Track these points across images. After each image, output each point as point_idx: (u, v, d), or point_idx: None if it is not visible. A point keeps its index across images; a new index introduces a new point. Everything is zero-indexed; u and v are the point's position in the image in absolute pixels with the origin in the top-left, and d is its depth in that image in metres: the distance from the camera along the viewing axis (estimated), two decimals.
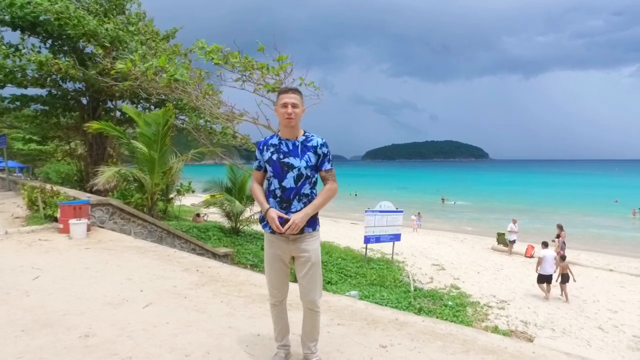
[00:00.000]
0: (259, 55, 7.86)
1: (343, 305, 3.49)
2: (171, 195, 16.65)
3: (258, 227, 13.85)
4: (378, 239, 13.02)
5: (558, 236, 14.73)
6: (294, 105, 2.21)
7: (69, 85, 14.03)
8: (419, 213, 24.85)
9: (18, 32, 12.34)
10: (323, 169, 2.31)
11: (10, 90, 14.76)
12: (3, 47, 11.53)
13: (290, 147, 2.27)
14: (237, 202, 12.28)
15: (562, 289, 10.30)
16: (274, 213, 2.18)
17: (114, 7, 14.17)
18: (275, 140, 2.31)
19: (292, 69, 8.36)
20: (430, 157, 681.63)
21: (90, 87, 13.52)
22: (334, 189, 2.33)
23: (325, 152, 2.30)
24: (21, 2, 11.19)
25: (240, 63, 8.20)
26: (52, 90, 13.89)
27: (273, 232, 2.24)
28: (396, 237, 13.42)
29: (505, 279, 12.23)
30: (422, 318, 3.25)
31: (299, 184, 2.25)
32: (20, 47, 12.33)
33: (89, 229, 6.92)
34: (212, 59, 8.08)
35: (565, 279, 10.26)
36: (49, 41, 13.18)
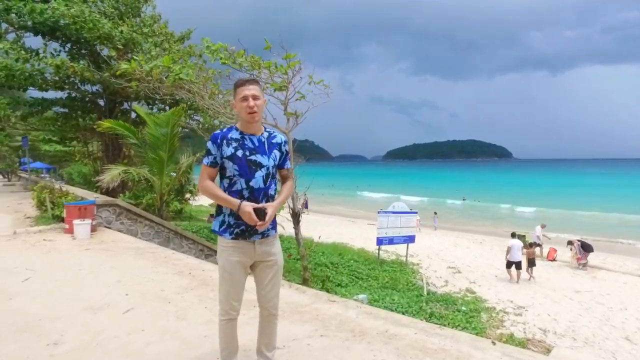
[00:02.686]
0: (271, 54, 7.72)
1: (332, 314, 3.28)
2: (187, 195, 16.80)
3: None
4: (391, 241, 12.73)
5: (570, 242, 14.28)
6: (255, 97, 2.03)
7: (87, 88, 14.35)
8: (435, 213, 24.31)
9: (39, 37, 12.69)
10: (285, 167, 2.25)
11: (32, 94, 15.26)
12: (22, 51, 11.85)
13: (256, 144, 2.09)
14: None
15: (530, 271, 12.14)
16: (249, 207, 1.96)
17: (129, 10, 14.39)
18: (236, 135, 2.07)
19: (300, 67, 8.18)
20: (452, 157, 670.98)
21: (106, 89, 13.78)
22: (293, 186, 2.27)
23: (287, 150, 2.23)
24: (41, 8, 11.47)
25: (248, 62, 8.09)
26: (71, 93, 14.24)
27: (236, 237, 2.06)
28: (410, 239, 13.09)
29: (524, 283, 11.71)
30: (414, 330, 3.01)
31: (268, 183, 2.12)
32: (40, 51, 12.68)
33: (94, 230, 6.95)
34: (220, 57, 8.00)
35: (532, 263, 12.15)
36: (68, 45, 13.49)
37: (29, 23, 11.95)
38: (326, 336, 2.83)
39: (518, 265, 11.85)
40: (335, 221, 25.39)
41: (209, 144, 2.05)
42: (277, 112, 8.87)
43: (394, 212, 12.89)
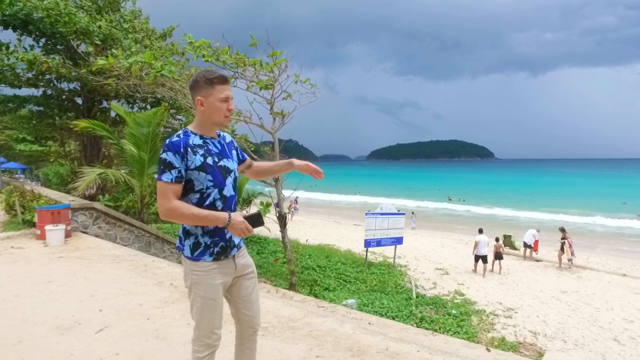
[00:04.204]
0: (257, 51, 7.44)
1: (327, 329, 3.03)
2: None
3: (255, 230, 13.33)
4: (379, 243, 12.57)
5: (564, 238, 14.05)
6: (232, 99, 1.78)
7: (65, 85, 13.73)
8: (412, 213, 24.41)
9: (14, 32, 12.03)
10: (245, 158, 2.04)
11: (4, 91, 14.51)
12: None
13: (219, 147, 1.83)
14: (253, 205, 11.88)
15: (497, 264, 13.15)
16: (240, 216, 1.71)
17: (108, 4, 13.84)
18: (197, 140, 1.76)
19: (286, 65, 7.92)
20: (436, 157, 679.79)
21: (84, 87, 13.21)
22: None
23: (236, 144, 2.01)
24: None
25: (232, 59, 7.78)
26: (47, 91, 13.59)
27: (218, 257, 1.78)
28: (398, 241, 12.97)
29: (512, 285, 11.70)
30: (417, 347, 2.78)
31: (236, 190, 1.89)
32: (10, 46, 12.02)
33: (69, 235, 6.54)
34: (203, 55, 7.67)
35: (498, 256, 13.14)
36: (42, 40, 12.86)
37: None
38: (322, 357, 2.58)
39: (484, 259, 12.73)
40: (321, 222, 25.17)
41: (169, 156, 1.67)
42: (262, 111, 8.56)
43: (381, 214, 12.73)
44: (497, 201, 39.81)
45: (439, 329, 7.49)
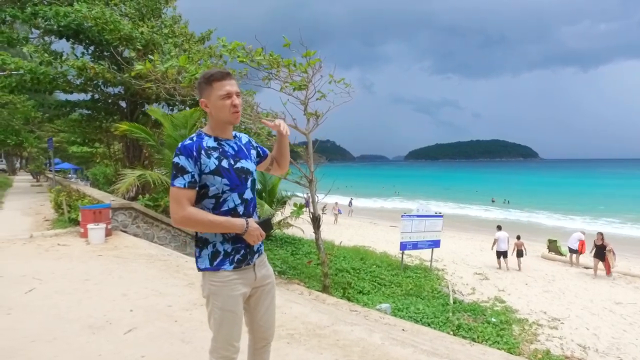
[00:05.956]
0: (291, 52, 7.42)
1: (354, 338, 2.91)
2: None
3: (290, 231, 13.41)
4: (415, 246, 12.22)
5: (604, 246, 12.73)
6: (238, 95, 1.66)
7: (110, 90, 14.46)
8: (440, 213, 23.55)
9: (67, 42, 12.85)
10: (267, 153, 1.95)
11: (59, 97, 15.53)
12: (46, 54, 11.97)
13: (236, 148, 1.74)
14: (265, 206, 11.96)
15: (518, 262, 13.35)
16: (254, 223, 1.67)
17: (150, 11, 14.40)
18: (211, 142, 1.67)
19: (320, 66, 7.83)
20: (476, 157, 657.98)
21: (127, 91, 13.83)
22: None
23: (255, 142, 1.92)
24: (64, 11, 11.57)
25: (266, 60, 7.80)
26: (95, 95, 14.38)
27: (238, 265, 1.69)
28: (435, 244, 12.55)
29: (558, 293, 10.97)
30: None
31: (254, 192, 1.81)
32: (63, 54, 12.83)
33: (109, 234, 6.81)
34: (238, 56, 7.74)
35: (519, 254, 13.39)
36: (91, 48, 13.62)
37: (55, 27, 12.08)
38: None
39: (504, 255, 13.26)
40: (357, 223, 24.93)
41: (181, 160, 1.60)
42: (296, 112, 8.51)
43: (418, 216, 12.38)
44: (543, 204, 37.72)
45: (477, 337, 7.11)
